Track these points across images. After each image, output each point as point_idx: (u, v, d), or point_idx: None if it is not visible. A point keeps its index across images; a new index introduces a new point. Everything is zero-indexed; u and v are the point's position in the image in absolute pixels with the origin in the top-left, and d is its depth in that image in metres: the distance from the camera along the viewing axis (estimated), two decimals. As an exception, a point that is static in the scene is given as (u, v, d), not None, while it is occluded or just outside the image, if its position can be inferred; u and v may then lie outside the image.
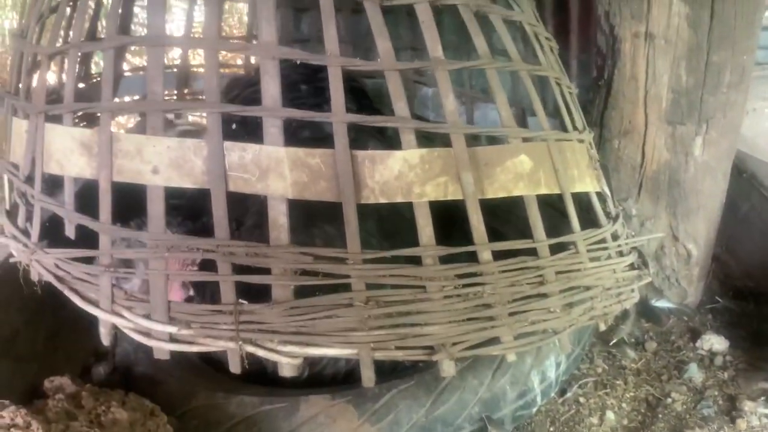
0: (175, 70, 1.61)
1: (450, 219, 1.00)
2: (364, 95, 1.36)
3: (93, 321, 0.97)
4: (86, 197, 0.97)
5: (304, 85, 1.26)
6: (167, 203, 0.89)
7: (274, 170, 0.87)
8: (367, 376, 0.90)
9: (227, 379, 1.08)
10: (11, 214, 1.12)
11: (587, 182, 1.11)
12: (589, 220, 1.13)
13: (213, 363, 1.17)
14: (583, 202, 1.13)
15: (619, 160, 1.48)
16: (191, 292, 1.02)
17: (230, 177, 0.87)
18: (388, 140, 1.10)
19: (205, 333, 0.89)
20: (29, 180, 1.02)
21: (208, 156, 0.87)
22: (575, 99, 1.19)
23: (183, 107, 0.91)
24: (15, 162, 1.09)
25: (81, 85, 1.25)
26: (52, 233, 1.02)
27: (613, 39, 1.39)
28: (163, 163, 0.88)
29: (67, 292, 0.95)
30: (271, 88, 0.87)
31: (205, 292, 0.99)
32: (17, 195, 1.06)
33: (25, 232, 1.05)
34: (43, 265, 0.98)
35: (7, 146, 1.11)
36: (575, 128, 1.13)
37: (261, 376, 1.07)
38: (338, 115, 0.88)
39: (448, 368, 0.92)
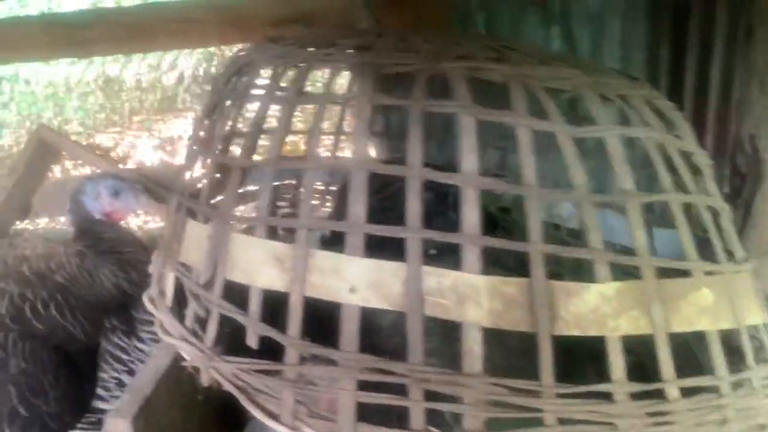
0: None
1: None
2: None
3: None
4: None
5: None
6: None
7: (471, 298, 0.88)
8: None
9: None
10: (174, 314, 1.14)
11: (756, 313, 1.09)
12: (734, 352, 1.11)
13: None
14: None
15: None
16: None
17: (427, 301, 0.88)
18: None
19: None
20: (207, 285, 1.05)
21: (407, 280, 0.88)
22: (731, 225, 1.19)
23: (385, 231, 0.92)
24: (185, 263, 1.12)
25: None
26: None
27: (757, 162, 1.39)
28: (361, 283, 0.89)
29: (246, 403, 0.96)
30: (471, 216, 0.89)
31: (390, 416, 0.98)
32: (190, 296, 1.08)
33: (194, 334, 1.07)
34: (221, 372, 0.99)
35: (177, 246, 1.14)
36: (732, 257, 1.12)
37: None
38: (536, 245, 0.89)
39: None
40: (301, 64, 1.06)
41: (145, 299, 1.23)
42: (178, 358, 1.09)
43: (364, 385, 0.94)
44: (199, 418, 1.20)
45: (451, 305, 0.88)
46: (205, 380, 1.03)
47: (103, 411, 1.51)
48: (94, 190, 1.77)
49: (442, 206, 1.22)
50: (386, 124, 1.99)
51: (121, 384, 1.54)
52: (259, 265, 0.97)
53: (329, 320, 0.95)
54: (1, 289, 1.44)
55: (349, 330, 0.90)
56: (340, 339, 0.90)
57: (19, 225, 2.12)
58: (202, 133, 1.27)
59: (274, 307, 1.00)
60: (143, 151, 2.13)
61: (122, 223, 1.81)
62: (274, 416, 0.94)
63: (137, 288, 1.67)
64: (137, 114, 2.12)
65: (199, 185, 1.17)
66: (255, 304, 0.98)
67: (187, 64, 2.09)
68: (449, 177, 0.93)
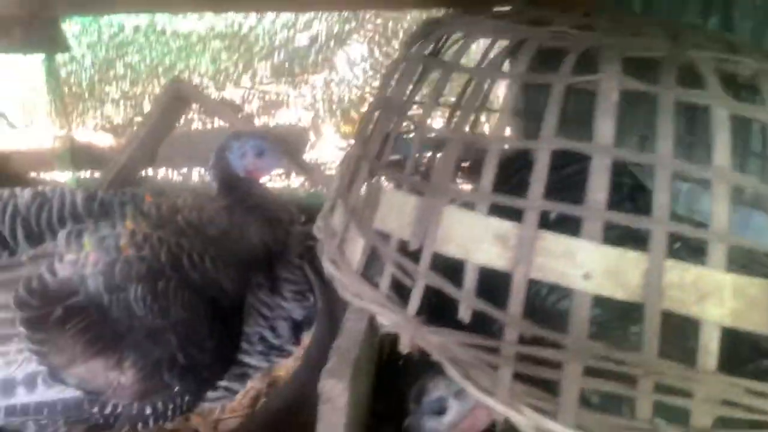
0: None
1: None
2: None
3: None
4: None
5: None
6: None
7: (713, 295, 0.86)
8: None
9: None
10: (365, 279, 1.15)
11: None
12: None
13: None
14: None
15: None
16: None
17: (666, 295, 0.87)
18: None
19: (612, 446, 0.88)
20: (410, 254, 1.05)
21: (647, 271, 0.87)
22: None
23: (629, 221, 0.91)
24: (381, 230, 1.12)
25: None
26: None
27: None
28: (597, 270, 0.88)
29: (457, 376, 0.96)
30: (722, 210, 0.87)
31: (611, 404, 0.98)
32: (388, 264, 1.08)
33: (392, 300, 1.08)
34: (429, 342, 1.00)
35: (370, 213, 1.14)
36: None
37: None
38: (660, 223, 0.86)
39: None
40: (525, 40, 1.04)
41: (325, 262, 1.24)
42: (372, 323, 1.10)
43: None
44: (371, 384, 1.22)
45: (691, 301, 0.87)
46: (405, 347, 1.04)
47: (246, 364, 1.54)
48: (240, 149, 1.78)
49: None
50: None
51: (263, 339, 1.57)
52: (478, 241, 0.97)
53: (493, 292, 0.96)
54: (159, 237, 1.47)
55: (580, 316, 0.89)
56: (570, 324, 0.90)
57: (142, 173, 2.17)
58: (386, 96, 1.27)
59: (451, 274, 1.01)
60: (269, 109, 2.14)
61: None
62: (488, 392, 0.95)
63: (281, 246, 1.70)
64: (266, 72, 2.12)
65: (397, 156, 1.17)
66: (470, 279, 0.98)
67: (321, 26, 2.08)
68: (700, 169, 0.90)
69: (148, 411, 1.36)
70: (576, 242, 0.90)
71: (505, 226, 0.95)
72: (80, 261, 1.35)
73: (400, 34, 2.08)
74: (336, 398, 0.97)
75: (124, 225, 1.46)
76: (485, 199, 0.97)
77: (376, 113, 1.26)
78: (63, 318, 1.29)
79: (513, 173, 1.28)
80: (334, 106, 2.13)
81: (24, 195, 1.49)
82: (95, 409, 1.33)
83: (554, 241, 0.92)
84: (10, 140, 2.26)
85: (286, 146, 2.05)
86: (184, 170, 2.19)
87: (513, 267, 0.94)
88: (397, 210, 1.09)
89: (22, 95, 2.31)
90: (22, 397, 1.29)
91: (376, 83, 2.16)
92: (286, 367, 1.61)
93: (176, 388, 1.37)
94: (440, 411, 1.21)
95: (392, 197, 1.10)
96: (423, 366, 1.25)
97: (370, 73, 2.10)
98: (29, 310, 1.29)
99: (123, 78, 2.09)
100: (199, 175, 2.21)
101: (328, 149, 2.20)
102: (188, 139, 2.15)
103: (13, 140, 2.27)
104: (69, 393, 1.31)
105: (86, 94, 2.11)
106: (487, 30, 1.12)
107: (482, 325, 1.03)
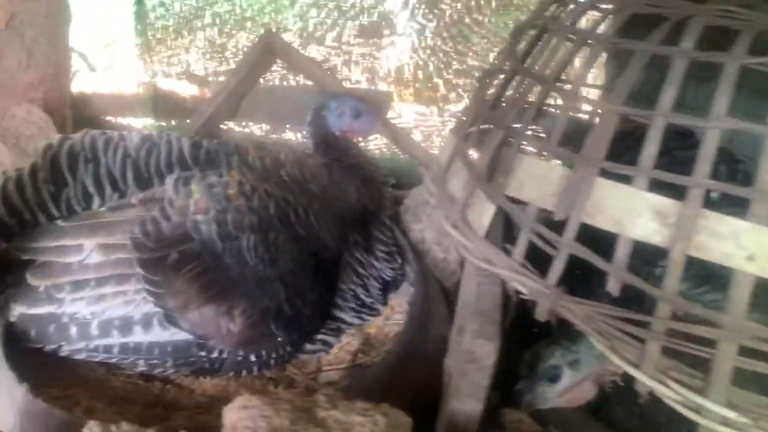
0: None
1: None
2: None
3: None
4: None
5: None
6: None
7: None
8: None
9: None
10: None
11: None
12: None
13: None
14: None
15: None
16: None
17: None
18: None
19: (761, 426, 0.90)
20: (550, 224, 1.06)
21: (815, 257, 0.87)
22: None
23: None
24: (515, 197, 1.13)
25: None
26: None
27: None
28: (762, 253, 0.89)
29: (601, 346, 0.98)
30: None
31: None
32: (529, 234, 1.08)
33: (525, 267, 1.09)
34: (573, 312, 1.01)
35: (504, 179, 1.14)
36: None
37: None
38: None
39: None
40: (690, 16, 1.02)
41: (446, 225, 1.25)
42: (505, 289, 1.12)
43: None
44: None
45: None
46: (543, 315, 1.06)
47: (340, 319, 1.56)
48: (338, 109, 1.77)
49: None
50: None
51: (356, 296, 1.59)
52: (635, 216, 0.97)
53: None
54: (266, 190, 1.48)
55: (742, 297, 0.90)
56: (731, 303, 0.91)
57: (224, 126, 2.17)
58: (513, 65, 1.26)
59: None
60: (353, 70, 2.13)
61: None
62: (634, 365, 0.96)
63: (376, 207, 1.71)
64: (353, 33, 2.10)
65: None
66: (623, 252, 0.99)
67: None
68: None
69: (253, 358, 1.38)
70: (742, 224, 0.91)
71: (666, 202, 0.96)
72: (191, 207, 1.36)
73: (493, 3, 2.06)
74: (483, 359, 0.98)
75: (230, 175, 1.46)
76: (646, 174, 0.98)
77: (514, 80, 1.25)
78: (178, 262, 1.31)
79: (623, 151, 1.27)
80: (419, 72, 2.12)
81: (133, 138, 1.49)
82: (203, 353, 1.35)
83: (718, 221, 0.92)
84: (89, 83, 2.26)
85: (381, 110, 2.05)
86: (265, 126, 2.19)
87: (671, 244, 0.95)
88: (538, 179, 1.09)
89: (105, 38, 2.31)
90: (138, 336, 1.32)
91: (461, 48, 2.14)
92: (376, 325, 1.64)
93: (280, 338, 1.39)
94: (553, 378, 1.24)
95: (533, 166, 1.11)
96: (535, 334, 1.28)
97: (459, 39, 2.07)
98: (145, 252, 1.31)
99: (210, 27, 2.08)
100: (279, 131, 2.20)
101: (408, 114, 2.19)
102: (271, 95, 2.14)
103: (93, 83, 2.27)
104: (180, 336, 1.33)
105: (171, 42, 2.10)
106: (641, 5, 1.09)
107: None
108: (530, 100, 1.25)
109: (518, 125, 1.18)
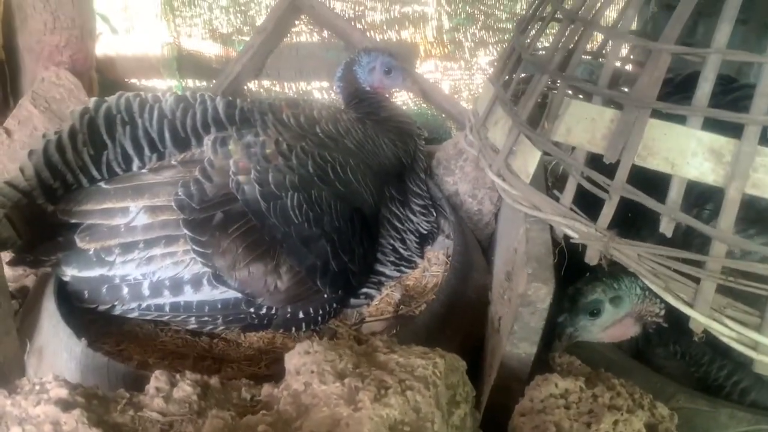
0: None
1: None
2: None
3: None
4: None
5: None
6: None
7: None
8: None
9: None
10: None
11: None
12: None
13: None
14: None
15: None
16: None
17: None
18: None
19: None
20: (598, 166, 1.06)
21: None
22: None
23: None
24: (559, 141, 1.12)
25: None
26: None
27: None
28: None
29: (655, 286, 0.99)
30: None
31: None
32: (576, 176, 1.08)
33: (574, 212, 1.09)
34: (625, 254, 1.02)
35: (551, 124, 1.14)
36: None
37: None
38: None
39: None
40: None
41: (490, 174, 1.25)
42: (552, 234, 1.12)
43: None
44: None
45: None
46: (593, 259, 1.07)
47: (381, 273, 1.58)
48: (369, 64, 1.76)
49: None
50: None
51: (394, 250, 1.60)
52: (690, 155, 0.97)
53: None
54: (303, 148, 1.48)
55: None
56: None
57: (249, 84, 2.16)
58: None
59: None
60: (376, 24, 2.09)
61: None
62: (687, 303, 0.97)
63: (410, 160, 1.71)
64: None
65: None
66: (676, 192, 0.99)
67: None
68: None
69: (301, 315, 1.41)
70: (802, 162, 0.90)
71: (722, 140, 0.95)
72: (232, 168, 1.37)
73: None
74: (539, 302, 1.00)
75: (267, 133, 1.47)
76: (701, 112, 0.97)
77: (558, 27, 1.23)
78: (224, 222, 1.32)
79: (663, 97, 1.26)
80: (446, 23, 2.08)
81: (168, 99, 1.49)
82: (251, 310, 1.38)
83: (775, 158, 0.91)
84: (112, 45, 2.24)
85: (410, 65, 2.03)
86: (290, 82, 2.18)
87: (727, 182, 0.95)
88: (587, 122, 1.08)
89: (123, 1, 2.29)
90: (188, 295, 1.34)
91: (485, 9, 2.10)
92: (414, 277, 1.65)
93: (326, 294, 1.42)
94: (594, 312, 1.26)
95: (582, 109, 1.09)
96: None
97: (485, 1, 2.03)
98: (190, 213, 1.32)
99: (233, -17, 2.05)
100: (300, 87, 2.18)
101: (435, 67, 2.17)
102: (296, 51, 2.12)
103: (115, 45, 2.25)
104: (229, 294, 1.36)
105: (194, 0, 2.07)
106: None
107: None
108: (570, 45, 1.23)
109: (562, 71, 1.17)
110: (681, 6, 1.00)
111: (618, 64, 1.81)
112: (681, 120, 0.99)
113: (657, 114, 1.01)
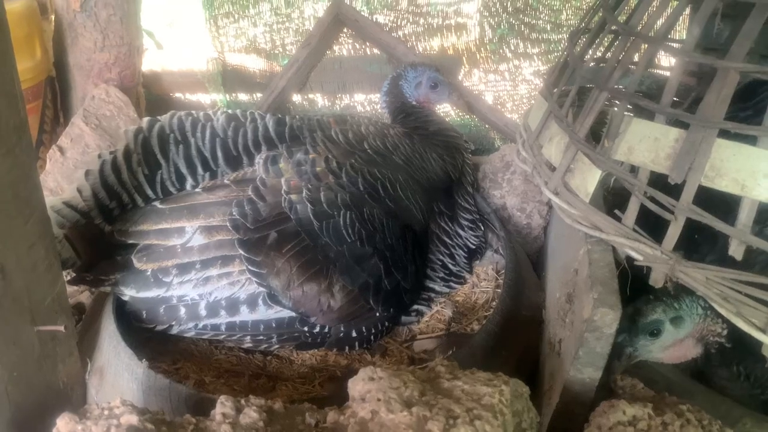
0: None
1: None
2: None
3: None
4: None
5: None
6: None
7: None
8: None
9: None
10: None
11: None
12: None
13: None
14: None
15: None
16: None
17: None
18: None
19: None
20: (662, 186, 1.03)
21: None
22: None
23: None
24: (623, 161, 1.10)
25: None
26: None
27: None
28: None
29: (725, 311, 0.96)
30: None
31: None
32: (639, 196, 1.06)
33: (637, 233, 1.07)
34: (692, 277, 0.99)
35: (608, 143, 1.12)
36: None
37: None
38: None
39: None
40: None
41: (546, 192, 1.24)
42: (615, 255, 1.10)
43: None
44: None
45: None
46: (659, 282, 1.04)
47: (431, 289, 1.58)
48: (416, 79, 1.76)
49: None
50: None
51: (443, 266, 1.60)
52: (761, 177, 0.94)
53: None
54: (352, 165, 1.48)
55: None
56: None
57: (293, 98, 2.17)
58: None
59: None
60: (418, 34, 2.08)
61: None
62: (760, 329, 0.95)
63: (458, 174, 1.70)
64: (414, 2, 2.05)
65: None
66: (747, 215, 0.96)
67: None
68: None
69: (354, 334, 1.41)
70: None
71: (797, 163, 0.93)
72: (284, 187, 1.38)
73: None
74: (605, 327, 0.98)
75: (316, 151, 1.47)
76: (770, 133, 0.94)
77: (616, 41, 1.21)
78: (278, 242, 1.33)
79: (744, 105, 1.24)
80: (486, 37, 2.06)
81: (220, 118, 1.51)
82: (305, 328, 1.38)
83: None
84: (157, 61, 2.28)
85: (456, 79, 2.02)
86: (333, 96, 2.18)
87: (802, 205, 0.92)
88: (650, 142, 1.06)
89: (167, 17, 2.32)
90: (244, 315, 1.35)
91: (528, 20, 2.07)
92: (463, 293, 1.64)
93: (378, 313, 1.41)
94: (654, 333, 1.23)
95: (644, 128, 1.07)
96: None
97: (528, 11, 2.01)
98: (245, 233, 1.33)
99: (276, -2, 2.06)
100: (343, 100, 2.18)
101: (479, 78, 2.15)
102: (339, 65, 2.13)
103: (161, 61, 2.28)
104: (284, 313, 1.36)
105: (238, 15, 2.09)
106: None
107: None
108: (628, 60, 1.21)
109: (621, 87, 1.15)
110: (750, 21, 0.98)
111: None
112: (749, 138, 0.97)
113: (723, 132, 0.99)
